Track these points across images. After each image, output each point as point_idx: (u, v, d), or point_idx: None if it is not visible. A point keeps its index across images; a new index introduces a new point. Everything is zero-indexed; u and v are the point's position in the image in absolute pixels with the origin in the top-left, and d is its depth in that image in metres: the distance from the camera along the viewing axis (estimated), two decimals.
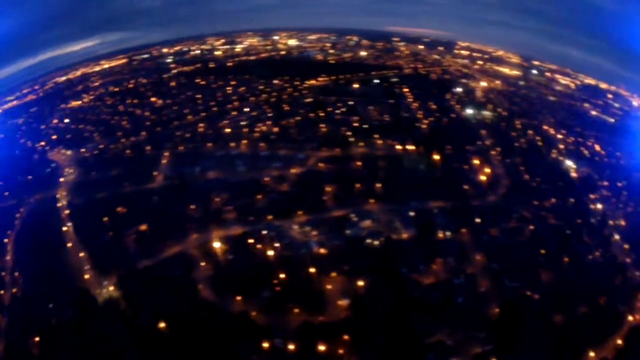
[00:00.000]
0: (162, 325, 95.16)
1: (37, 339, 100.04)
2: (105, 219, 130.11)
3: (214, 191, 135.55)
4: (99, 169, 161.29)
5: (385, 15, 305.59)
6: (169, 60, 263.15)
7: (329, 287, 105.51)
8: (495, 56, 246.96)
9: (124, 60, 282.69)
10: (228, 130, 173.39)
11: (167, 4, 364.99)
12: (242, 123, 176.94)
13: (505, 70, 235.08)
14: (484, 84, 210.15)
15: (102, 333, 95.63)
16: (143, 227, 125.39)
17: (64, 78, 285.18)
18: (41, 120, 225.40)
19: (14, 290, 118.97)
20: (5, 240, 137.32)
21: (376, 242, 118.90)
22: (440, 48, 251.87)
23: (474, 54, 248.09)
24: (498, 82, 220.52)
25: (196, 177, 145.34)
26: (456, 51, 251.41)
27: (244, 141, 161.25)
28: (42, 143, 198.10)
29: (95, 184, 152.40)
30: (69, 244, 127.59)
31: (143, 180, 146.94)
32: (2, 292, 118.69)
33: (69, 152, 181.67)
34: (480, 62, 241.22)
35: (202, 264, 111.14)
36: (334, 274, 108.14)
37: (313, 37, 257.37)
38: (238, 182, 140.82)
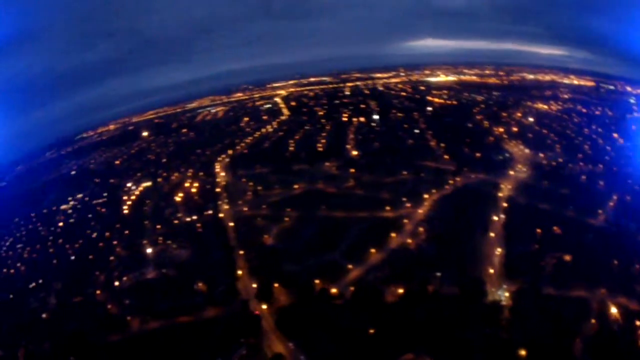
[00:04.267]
0: (521, 352, 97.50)
1: (400, 290, 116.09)
2: (538, 230, 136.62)
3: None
4: (551, 180, 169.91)
5: None
6: (631, 101, 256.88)
7: None
8: None
9: (591, 83, 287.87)
10: None
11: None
12: None
13: None
14: None
15: (460, 321, 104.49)
16: (567, 257, 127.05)
17: (532, 76, 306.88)
18: (503, 107, 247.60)
19: (409, 240, 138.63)
20: (426, 195, 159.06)
21: None
22: None
23: None
24: None
25: (633, 233, 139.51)
26: None
27: None
28: (501, 129, 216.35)
29: (541, 193, 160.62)
30: (492, 234, 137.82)
31: (586, 212, 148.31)
32: (393, 234, 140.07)
33: (527, 150, 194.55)
34: None
35: (592, 321, 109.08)
36: None
37: None
38: None
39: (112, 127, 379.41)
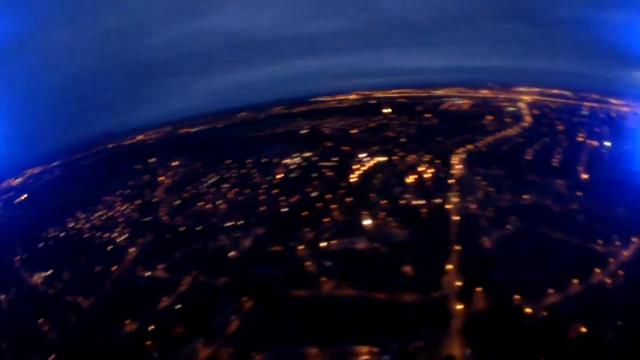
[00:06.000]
0: None
1: (583, 329, 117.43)
2: None
3: None
4: None
5: None
6: None
7: None
8: None
9: None
10: None
11: None
12: None
13: None
14: None
15: None
16: None
17: None
18: None
19: (608, 280, 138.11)
20: (634, 238, 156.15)
21: None
22: None
23: None
24: None
25: None
26: None
27: None
28: None
29: None
30: None
31: None
32: (597, 270, 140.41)
33: None
34: None
35: None
36: None
37: None
38: None
39: (353, 96, 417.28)
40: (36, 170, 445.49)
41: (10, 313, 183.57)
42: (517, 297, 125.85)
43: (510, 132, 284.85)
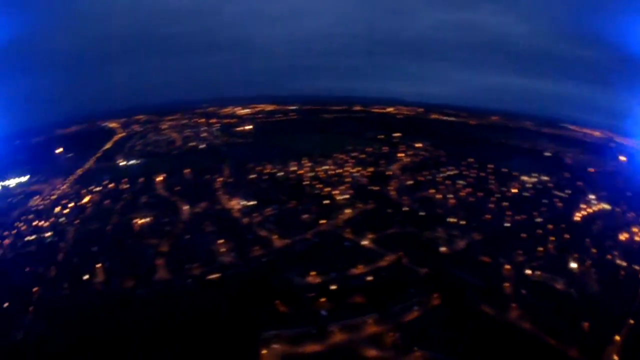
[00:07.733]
0: None
1: None
2: None
3: None
4: None
5: None
6: None
7: None
8: None
9: None
10: None
11: None
12: None
13: None
14: None
15: None
16: None
17: None
18: None
19: None
20: None
21: None
22: None
23: None
24: None
25: None
26: None
27: None
28: None
29: None
30: None
31: None
32: None
33: None
34: None
35: None
36: None
37: None
38: None
39: (598, 133, 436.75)
40: (269, 107, 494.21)
41: (188, 224, 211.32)
42: None
43: None
